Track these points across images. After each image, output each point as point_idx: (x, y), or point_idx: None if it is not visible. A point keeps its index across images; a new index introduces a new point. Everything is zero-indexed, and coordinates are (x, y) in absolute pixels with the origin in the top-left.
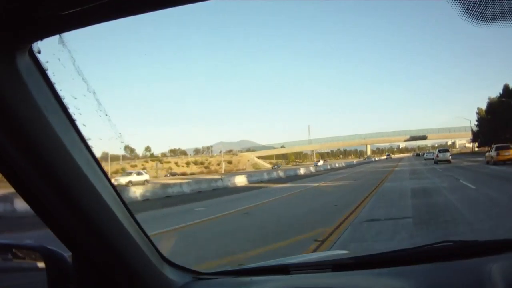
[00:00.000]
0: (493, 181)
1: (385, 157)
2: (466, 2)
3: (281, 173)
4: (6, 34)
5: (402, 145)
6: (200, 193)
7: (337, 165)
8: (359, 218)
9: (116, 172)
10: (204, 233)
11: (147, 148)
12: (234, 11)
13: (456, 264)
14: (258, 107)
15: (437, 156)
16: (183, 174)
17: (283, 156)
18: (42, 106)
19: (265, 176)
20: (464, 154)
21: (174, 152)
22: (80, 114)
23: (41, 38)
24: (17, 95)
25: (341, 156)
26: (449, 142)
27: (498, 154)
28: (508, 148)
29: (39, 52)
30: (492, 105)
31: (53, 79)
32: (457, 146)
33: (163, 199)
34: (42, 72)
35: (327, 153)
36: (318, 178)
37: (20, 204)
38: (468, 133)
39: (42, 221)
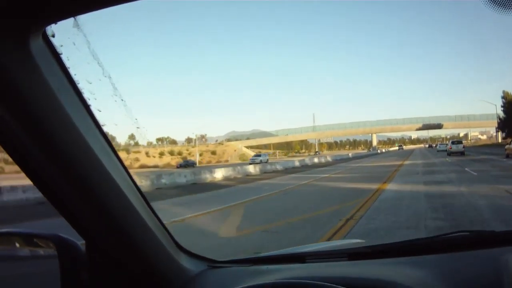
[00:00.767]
0: None
1: (396, 148)
2: None
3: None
4: (19, 17)
5: (413, 135)
6: None
7: (315, 160)
8: None
9: None
10: None
11: (131, 136)
12: (246, 7)
13: (472, 254)
14: (270, 98)
15: (450, 147)
16: (142, 167)
17: (287, 145)
18: (56, 90)
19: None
20: (482, 147)
21: (161, 141)
22: (95, 99)
23: (55, 21)
24: (31, 80)
25: (348, 146)
26: (462, 134)
27: None
28: None
29: (53, 36)
30: None
31: (67, 63)
32: (469, 138)
33: None
34: (56, 56)
35: (335, 142)
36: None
37: (32, 193)
38: (491, 122)
39: (56, 209)
